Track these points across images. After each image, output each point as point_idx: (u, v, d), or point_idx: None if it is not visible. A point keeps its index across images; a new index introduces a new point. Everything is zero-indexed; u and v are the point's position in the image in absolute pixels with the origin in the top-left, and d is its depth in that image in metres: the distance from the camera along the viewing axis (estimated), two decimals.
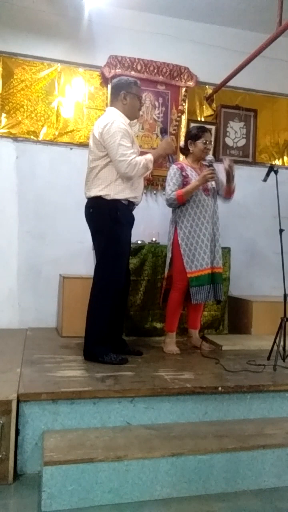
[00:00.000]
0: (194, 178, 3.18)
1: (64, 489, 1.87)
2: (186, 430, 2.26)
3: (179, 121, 4.38)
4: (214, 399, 2.44)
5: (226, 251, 3.94)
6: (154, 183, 4.28)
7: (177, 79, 4.34)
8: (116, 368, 2.70)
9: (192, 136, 3.28)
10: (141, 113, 3.83)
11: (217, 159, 4.45)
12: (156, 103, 4.31)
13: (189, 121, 4.42)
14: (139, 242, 3.81)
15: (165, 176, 4.25)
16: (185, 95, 4.37)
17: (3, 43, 3.95)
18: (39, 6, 3.96)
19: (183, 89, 4.36)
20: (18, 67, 4.03)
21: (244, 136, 4.63)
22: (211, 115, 4.57)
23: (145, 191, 4.06)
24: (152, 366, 2.81)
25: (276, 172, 3.23)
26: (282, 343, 3.00)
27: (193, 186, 3.10)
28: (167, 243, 3.40)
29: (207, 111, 4.56)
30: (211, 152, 3.54)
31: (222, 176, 3.25)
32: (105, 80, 4.18)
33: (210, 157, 3.22)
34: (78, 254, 4.11)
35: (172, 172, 3.20)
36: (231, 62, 3.97)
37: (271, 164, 4.04)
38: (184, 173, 3.18)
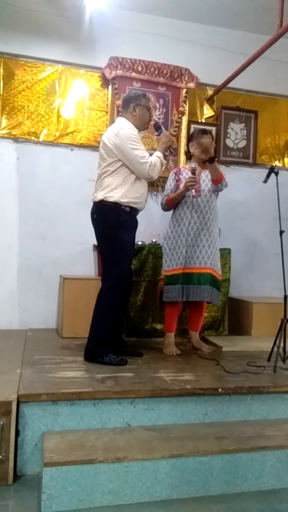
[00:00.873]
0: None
1: (64, 490, 1.87)
2: (186, 431, 2.26)
3: (180, 122, 4.38)
4: (214, 400, 2.44)
5: (227, 252, 3.94)
6: (154, 184, 4.27)
7: (177, 80, 4.34)
8: (116, 369, 2.70)
9: (193, 139, 3.31)
10: None
11: (218, 160, 4.47)
12: (157, 104, 4.31)
13: (189, 122, 4.43)
14: (140, 243, 3.81)
15: (165, 177, 4.27)
16: (185, 97, 4.38)
17: (4, 44, 3.96)
18: (40, 8, 3.97)
19: (184, 91, 4.37)
20: (19, 68, 4.04)
21: (245, 137, 4.63)
22: (211, 117, 4.58)
23: None
24: (152, 367, 2.81)
25: (276, 174, 3.23)
26: (282, 344, 3.00)
27: (178, 192, 3.20)
28: None
29: (208, 113, 4.57)
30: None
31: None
32: (106, 81, 4.19)
33: (194, 164, 3.21)
34: (79, 255, 4.12)
35: (168, 177, 3.33)
36: (232, 63, 3.98)
37: (272, 166, 4.02)
38: (177, 177, 3.28)
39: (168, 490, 2.00)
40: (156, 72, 4.26)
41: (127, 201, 2.87)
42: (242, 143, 4.63)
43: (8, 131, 4.02)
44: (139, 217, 3.07)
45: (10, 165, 4.05)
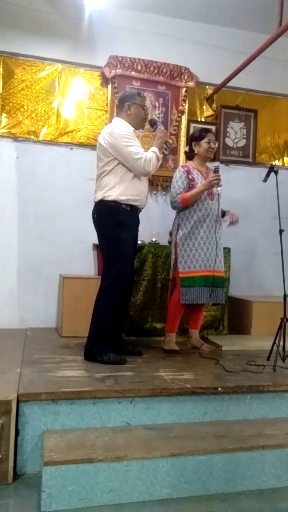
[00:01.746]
0: (200, 181, 3.20)
1: (63, 489, 1.87)
2: (185, 430, 2.26)
3: (179, 122, 4.38)
4: (213, 399, 2.44)
5: (226, 252, 3.94)
6: (154, 183, 4.27)
7: (177, 79, 4.34)
8: (116, 368, 2.70)
9: (195, 138, 3.30)
10: None
11: (217, 159, 4.46)
12: (157, 103, 4.31)
13: (189, 121, 4.42)
14: (139, 242, 3.79)
15: (165, 177, 4.29)
16: (185, 96, 4.37)
17: (3, 43, 3.95)
18: (39, 6, 3.96)
19: (184, 90, 4.37)
20: (18, 67, 4.03)
21: (244, 136, 4.63)
22: (211, 116, 4.58)
23: None
24: (152, 366, 2.82)
25: (276, 173, 3.23)
26: (281, 343, 3.00)
27: (198, 190, 3.13)
28: (167, 244, 3.41)
29: (207, 112, 4.57)
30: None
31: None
32: (105, 80, 4.19)
33: (216, 163, 3.23)
34: (78, 254, 4.12)
35: (178, 175, 3.22)
36: (232, 62, 3.98)
37: (271, 165, 4.03)
38: (190, 176, 3.20)
39: (168, 489, 2.00)
40: (155, 71, 4.26)
41: (126, 199, 2.87)
42: (242, 142, 4.63)
43: (7, 130, 4.02)
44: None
45: (10, 164, 4.04)
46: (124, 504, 1.93)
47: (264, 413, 2.52)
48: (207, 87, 4.52)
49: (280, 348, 2.99)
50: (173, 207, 3.27)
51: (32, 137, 4.08)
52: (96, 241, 3.07)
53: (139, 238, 3.24)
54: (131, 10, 4.17)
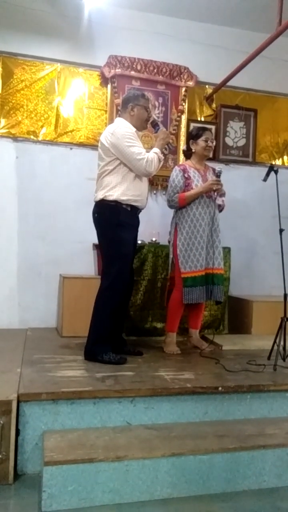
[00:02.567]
0: (197, 180, 3.19)
1: (64, 489, 1.87)
2: (186, 430, 2.26)
3: (179, 121, 4.37)
4: (214, 399, 2.44)
5: (226, 251, 3.94)
6: (154, 183, 4.27)
7: (177, 79, 4.34)
8: (116, 368, 2.70)
9: (193, 136, 3.29)
10: None
11: (217, 158, 4.47)
12: (156, 103, 4.31)
13: (189, 121, 4.42)
14: (139, 242, 3.79)
15: (165, 176, 4.28)
16: (185, 95, 4.37)
17: (3, 42, 3.95)
18: (39, 6, 3.96)
19: (183, 89, 4.36)
20: (18, 67, 4.03)
21: (244, 136, 4.63)
22: (211, 115, 4.57)
23: None
24: (152, 366, 2.82)
25: (276, 172, 3.23)
26: (282, 343, 3.00)
27: (196, 192, 3.14)
28: (167, 244, 3.40)
29: (207, 111, 4.56)
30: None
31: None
32: (105, 80, 4.18)
33: (220, 168, 3.22)
34: (78, 254, 4.11)
35: (175, 174, 3.22)
36: (231, 62, 3.98)
37: (271, 164, 4.05)
38: (186, 175, 3.20)
39: (169, 489, 2.00)
40: (155, 70, 4.26)
41: (126, 199, 2.87)
42: (242, 142, 4.63)
43: (7, 130, 4.01)
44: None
45: (9, 164, 4.04)
46: (125, 504, 1.93)
47: (264, 412, 2.52)
48: (207, 86, 4.51)
49: (281, 348, 2.98)
50: (170, 206, 3.28)
51: (32, 137, 4.07)
52: (96, 241, 3.07)
53: (139, 238, 3.24)
54: (131, 9, 4.16)
